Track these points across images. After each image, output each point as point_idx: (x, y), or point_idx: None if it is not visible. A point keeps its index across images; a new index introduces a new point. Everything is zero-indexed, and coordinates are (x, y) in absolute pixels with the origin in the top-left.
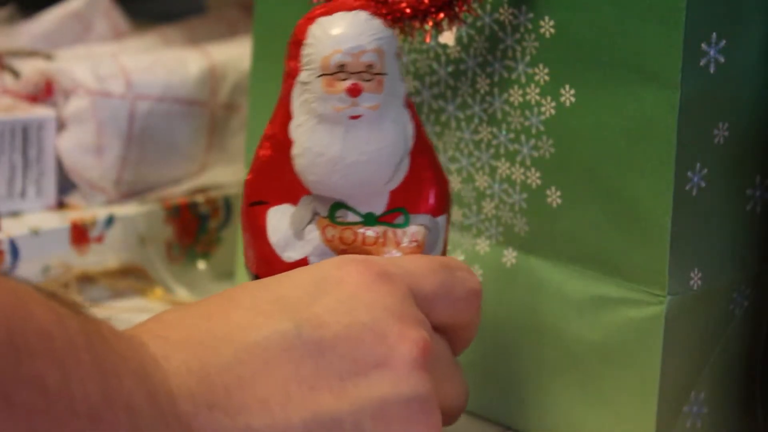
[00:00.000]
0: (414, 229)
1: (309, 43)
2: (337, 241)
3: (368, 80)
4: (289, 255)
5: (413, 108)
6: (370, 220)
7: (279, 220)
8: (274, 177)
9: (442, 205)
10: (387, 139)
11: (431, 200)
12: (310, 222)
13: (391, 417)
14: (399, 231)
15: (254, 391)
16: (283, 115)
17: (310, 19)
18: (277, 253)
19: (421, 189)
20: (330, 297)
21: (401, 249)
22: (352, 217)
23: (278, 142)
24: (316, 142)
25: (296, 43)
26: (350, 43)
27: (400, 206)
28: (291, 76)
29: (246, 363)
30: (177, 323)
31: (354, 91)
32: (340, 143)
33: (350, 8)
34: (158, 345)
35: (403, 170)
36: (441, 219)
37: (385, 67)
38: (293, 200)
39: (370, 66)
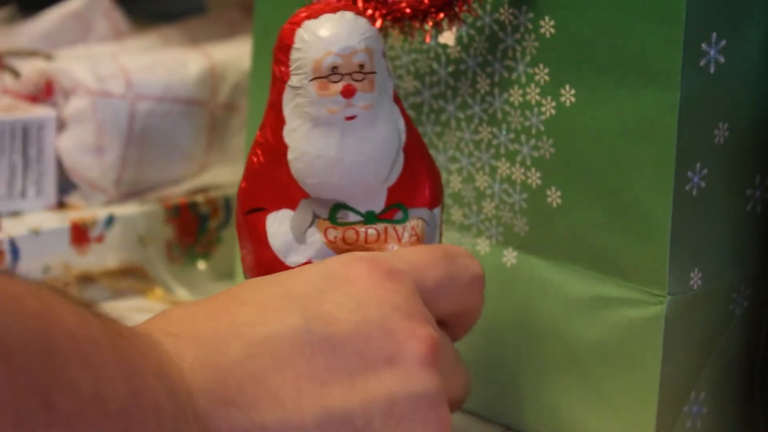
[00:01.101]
0: (413, 224)
1: (298, 47)
2: (339, 241)
3: (360, 80)
4: (293, 260)
5: (401, 104)
6: (370, 218)
7: (279, 226)
8: (270, 183)
9: (437, 197)
10: (382, 136)
11: (427, 193)
12: (310, 225)
13: (401, 414)
14: (399, 227)
15: (266, 386)
16: (274, 121)
17: (296, 24)
18: (280, 259)
19: (417, 183)
20: (339, 293)
21: (402, 244)
22: (352, 217)
23: (271, 148)
24: (312, 146)
25: (284, 47)
26: (341, 44)
27: (398, 202)
28: (280, 81)
29: (257, 358)
30: (184, 321)
31: (348, 93)
32: (336, 145)
33: (335, 10)
34: (170, 342)
35: (399, 166)
36: (436, 211)
37: (375, 66)
38: (291, 205)
39: (361, 66)
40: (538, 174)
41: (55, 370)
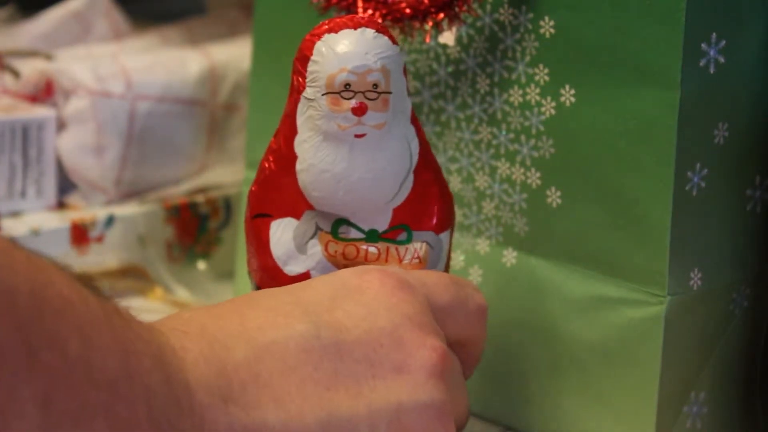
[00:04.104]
0: (416, 246)
1: (315, 60)
2: (339, 256)
3: (373, 99)
4: (291, 269)
5: (418, 124)
6: (372, 236)
7: (282, 234)
8: (278, 190)
9: (446, 222)
10: (392, 157)
11: (434, 217)
12: (312, 237)
13: (408, 423)
14: (401, 248)
15: (270, 389)
16: (288, 130)
17: (317, 36)
18: (280, 267)
19: (425, 206)
20: (350, 302)
21: (403, 266)
22: (354, 233)
23: (282, 156)
24: (320, 159)
25: (302, 58)
26: (356, 62)
27: (403, 223)
28: (297, 91)
29: (263, 361)
30: (193, 321)
31: (359, 111)
32: (344, 161)
33: (356, 25)
34: (176, 336)
35: (407, 187)
36: (444, 235)
37: (391, 86)
38: (296, 214)
39: (375, 85)
40: (538, 174)
41: (44, 324)
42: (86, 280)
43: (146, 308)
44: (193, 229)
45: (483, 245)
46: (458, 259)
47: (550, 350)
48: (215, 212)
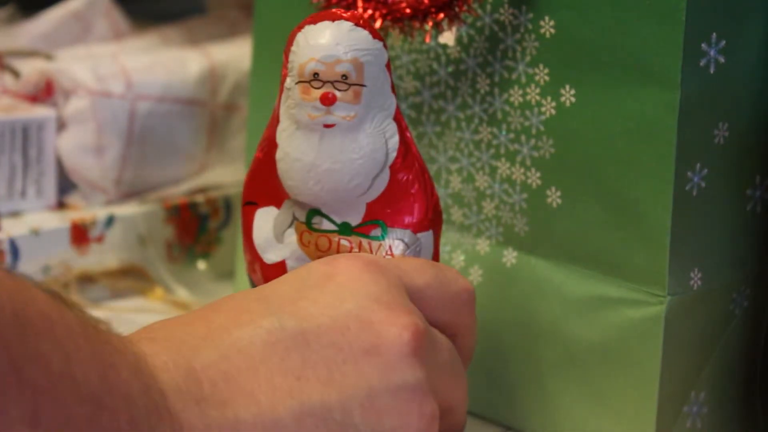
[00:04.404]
0: (390, 243)
1: (293, 50)
2: (312, 247)
3: (343, 90)
4: (269, 257)
5: (403, 123)
6: (345, 229)
7: (264, 222)
8: (264, 179)
9: (425, 222)
10: (363, 150)
11: (413, 216)
12: (289, 226)
13: (381, 406)
14: (374, 243)
15: (240, 385)
16: (274, 119)
17: (300, 28)
18: (259, 254)
19: (403, 204)
20: (316, 290)
21: None
22: (327, 225)
23: (269, 145)
24: (294, 148)
25: (287, 50)
26: (325, 51)
27: (378, 219)
28: (282, 82)
29: (230, 359)
30: (161, 328)
31: (327, 100)
32: (314, 150)
33: (335, 18)
34: (145, 344)
35: (382, 183)
36: (424, 235)
37: (365, 79)
38: (278, 203)
39: (344, 76)
40: (538, 174)
41: (26, 342)
42: (61, 297)
43: (146, 308)
44: (193, 229)
45: (483, 245)
46: (458, 259)
47: (550, 350)
48: (215, 212)
